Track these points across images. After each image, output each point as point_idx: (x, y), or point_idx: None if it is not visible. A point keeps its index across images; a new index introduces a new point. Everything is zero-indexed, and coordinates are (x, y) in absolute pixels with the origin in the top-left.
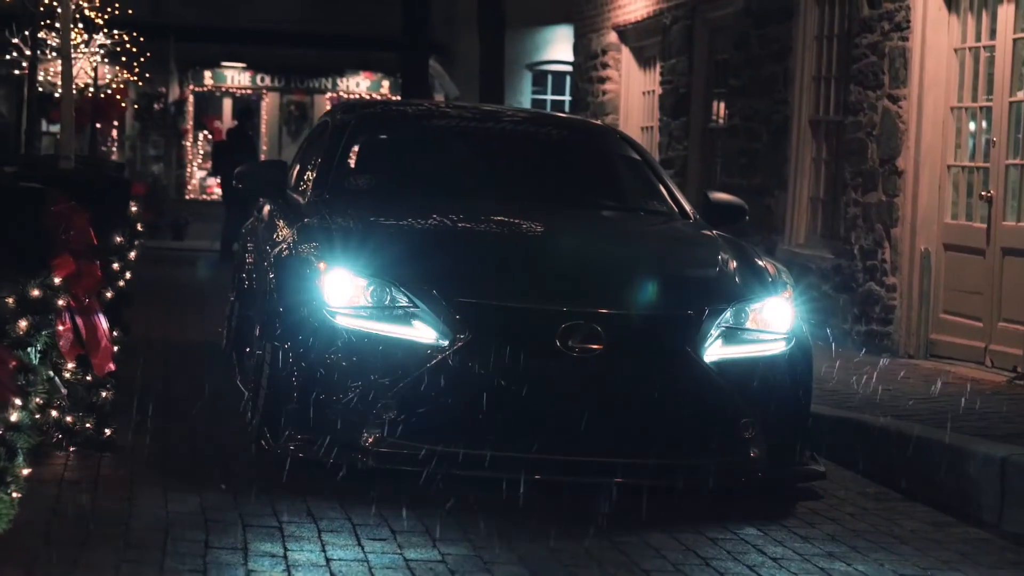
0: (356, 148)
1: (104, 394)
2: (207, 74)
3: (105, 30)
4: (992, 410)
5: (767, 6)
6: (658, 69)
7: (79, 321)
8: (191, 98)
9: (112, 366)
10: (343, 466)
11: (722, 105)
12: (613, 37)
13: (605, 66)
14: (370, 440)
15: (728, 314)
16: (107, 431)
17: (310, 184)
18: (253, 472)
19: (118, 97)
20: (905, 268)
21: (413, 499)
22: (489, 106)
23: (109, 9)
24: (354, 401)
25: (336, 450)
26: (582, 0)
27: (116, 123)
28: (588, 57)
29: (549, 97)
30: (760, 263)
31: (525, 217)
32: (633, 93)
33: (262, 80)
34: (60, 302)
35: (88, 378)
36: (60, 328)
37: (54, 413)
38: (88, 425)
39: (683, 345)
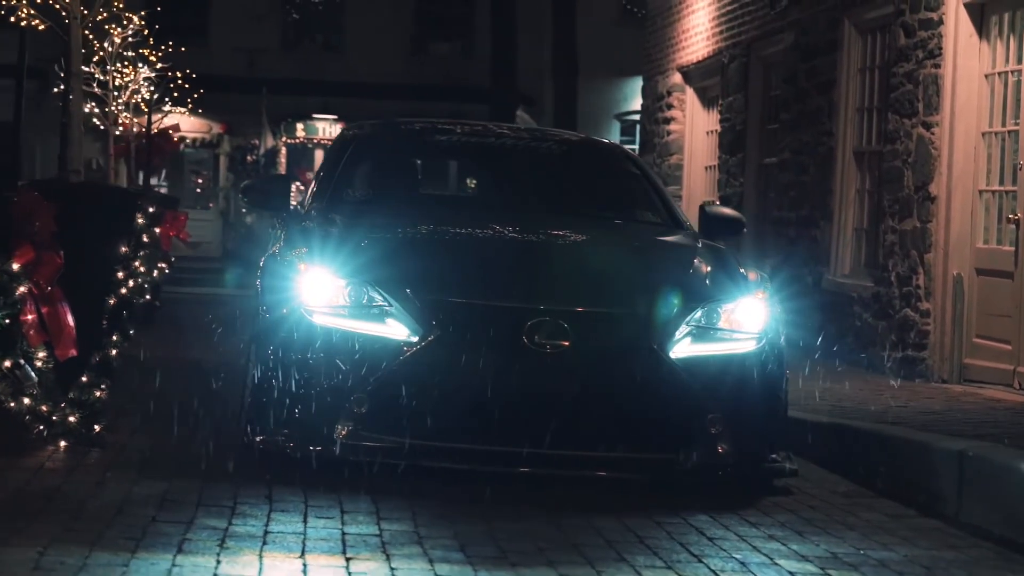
0: (357, 161)
1: (98, 393)
2: (299, 126)
3: (157, 64)
4: (989, 420)
5: (814, 40)
6: (719, 108)
7: (44, 310)
8: (283, 150)
9: (74, 352)
10: (316, 458)
11: (775, 140)
12: (678, 78)
13: (670, 107)
14: (343, 433)
15: (699, 313)
16: (97, 427)
17: (312, 195)
18: (232, 465)
19: (170, 132)
20: (938, 293)
21: (379, 488)
22: (496, 124)
23: (163, 48)
24: (328, 396)
25: (310, 443)
26: (649, 43)
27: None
28: (655, 99)
29: (637, 147)
30: (737, 267)
31: (508, 224)
32: (697, 133)
33: None
34: (22, 289)
35: (84, 378)
36: (29, 317)
37: (26, 401)
38: (72, 419)
39: (649, 342)
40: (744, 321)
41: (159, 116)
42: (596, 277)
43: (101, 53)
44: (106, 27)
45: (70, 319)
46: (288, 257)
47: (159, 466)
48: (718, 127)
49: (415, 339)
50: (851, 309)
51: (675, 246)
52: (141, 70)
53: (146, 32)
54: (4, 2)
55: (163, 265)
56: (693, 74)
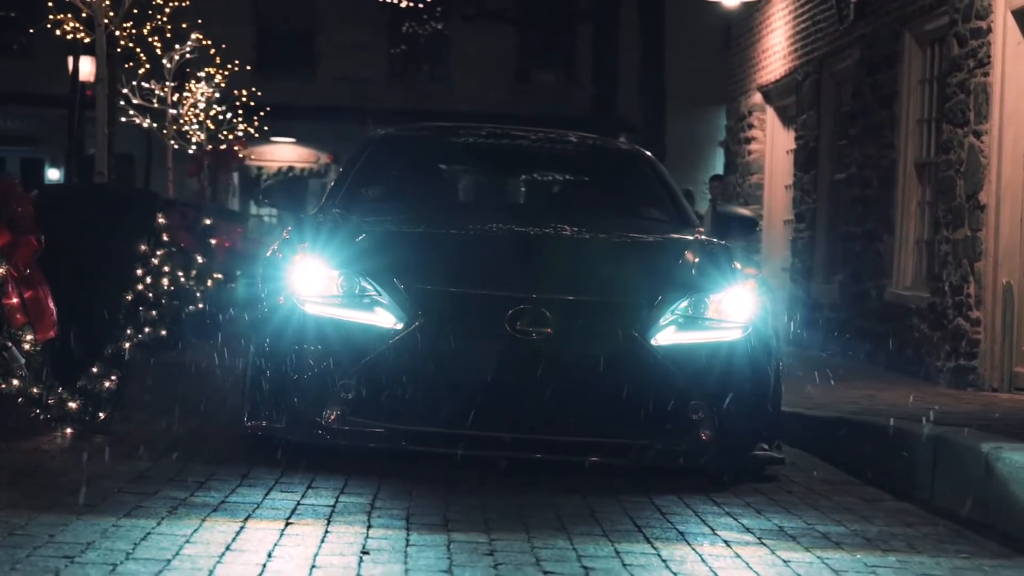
0: (374, 162)
1: (107, 383)
2: None
3: (222, 84)
4: (1001, 419)
5: (877, 53)
6: (796, 126)
7: (26, 294)
8: None
9: (52, 333)
10: (304, 442)
11: (845, 156)
12: (758, 98)
13: (751, 127)
14: (331, 418)
15: (685, 303)
16: (101, 415)
17: (326, 195)
18: (225, 449)
19: (236, 148)
20: (988, 302)
21: (355, 468)
22: (515, 128)
23: (229, 67)
24: (318, 382)
25: (299, 427)
26: (733, 64)
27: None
28: (737, 119)
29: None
30: (729, 261)
31: (502, 219)
32: (777, 152)
33: None
34: (0, 271)
35: (94, 369)
36: (14, 300)
37: (15, 382)
38: (72, 405)
39: (630, 330)
40: (730, 311)
41: (226, 132)
42: (581, 267)
43: (148, 66)
44: (151, 40)
45: (51, 302)
46: (287, 250)
47: (153, 450)
48: (794, 145)
49: (401, 327)
50: (910, 320)
51: (670, 240)
52: (199, 86)
53: (212, 52)
54: (51, 16)
55: (220, 276)
56: (772, 93)
